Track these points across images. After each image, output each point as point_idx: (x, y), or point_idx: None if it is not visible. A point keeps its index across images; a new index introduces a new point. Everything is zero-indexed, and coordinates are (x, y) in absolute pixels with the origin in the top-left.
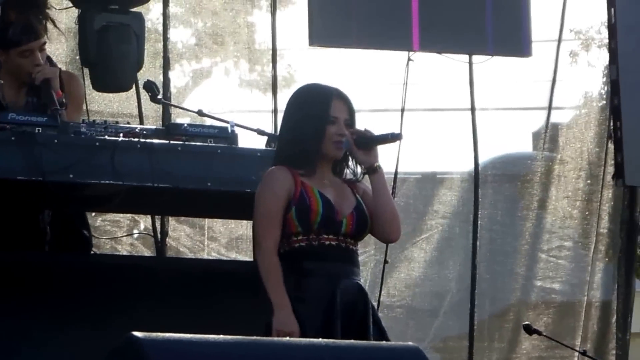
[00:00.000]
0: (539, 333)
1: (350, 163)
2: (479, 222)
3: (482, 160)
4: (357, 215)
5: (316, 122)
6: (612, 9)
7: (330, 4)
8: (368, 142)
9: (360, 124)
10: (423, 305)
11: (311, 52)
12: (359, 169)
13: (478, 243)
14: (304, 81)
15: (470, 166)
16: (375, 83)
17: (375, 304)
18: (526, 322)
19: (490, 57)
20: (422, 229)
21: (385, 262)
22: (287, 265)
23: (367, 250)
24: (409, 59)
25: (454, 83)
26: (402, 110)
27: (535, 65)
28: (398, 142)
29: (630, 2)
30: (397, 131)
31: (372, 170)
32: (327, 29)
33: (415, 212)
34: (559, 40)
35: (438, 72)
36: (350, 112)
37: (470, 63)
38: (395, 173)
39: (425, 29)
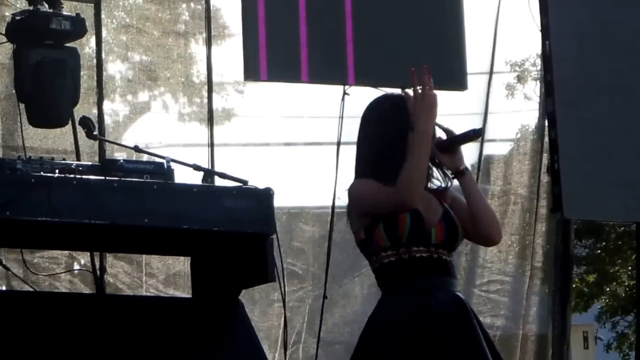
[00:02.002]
0: None
1: (436, 172)
2: None
3: None
4: (445, 223)
5: (397, 130)
6: (547, 42)
7: (265, 39)
8: (450, 144)
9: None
10: None
11: (253, 84)
12: (444, 177)
13: None
14: (245, 113)
15: None
16: (316, 115)
17: (315, 340)
18: None
19: None
20: (359, 264)
21: (325, 297)
22: (380, 281)
23: (305, 286)
24: (345, 93)
25: None
26: (338, 143)
27: (472, 98)
28: (479, 138)
29: (565, 34)
30: (477, 127)
31: (460, 173)
32: (262, 63)
33: (352, 247)
34: (490, 73)
35: None
36: None
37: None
38: (333, 207)
39: (361, 62)
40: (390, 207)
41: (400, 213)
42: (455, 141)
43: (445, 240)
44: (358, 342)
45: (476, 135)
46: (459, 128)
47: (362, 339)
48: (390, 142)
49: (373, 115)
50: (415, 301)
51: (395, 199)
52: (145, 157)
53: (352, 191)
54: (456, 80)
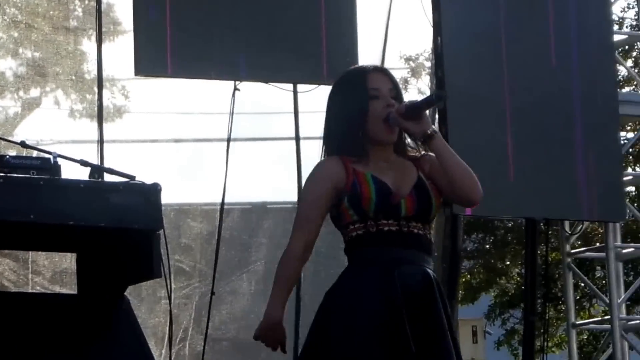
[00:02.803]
0: None
1: (410, 140)
2: None
3: None
4: (417, 194)
5: (357, 100)
6: (439, 38)
7: (157, 34)
8: (414, 110)
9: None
10: (249, 337)
11: (146, 80)
12: (416, 144)
13: (302, 274)
14: (138, 110)
15: (295, 196)
16: (204, 112)
17: (201, 337)
18: None
19: (317, 86)
20: (247, 261)
21: (212, 294)
22: (348, 253)
23: (192, 283)
24: (235, 89)
25: (281, 112)
26: (228, 140)
27: None
28: (441, 103)
29: (457, 30)
30: (438, 91)
31: (428, 137)
32: (153, 59)
33: (240, 243)
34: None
35: (265, 101)
36: (393, 82)
37: (295, 92)
38: (222, 204)
39: (252, 58)
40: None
41: (363, 186)
42: (417, 108)
43: (416, 212)
44: (318, 315)
45: (438, 99)
46: None
47: (323, 311)
48: (351, 117)
49: (334, 92)
50: (379, 274)
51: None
52: (35, 153)
53: (306, 183)
54: None
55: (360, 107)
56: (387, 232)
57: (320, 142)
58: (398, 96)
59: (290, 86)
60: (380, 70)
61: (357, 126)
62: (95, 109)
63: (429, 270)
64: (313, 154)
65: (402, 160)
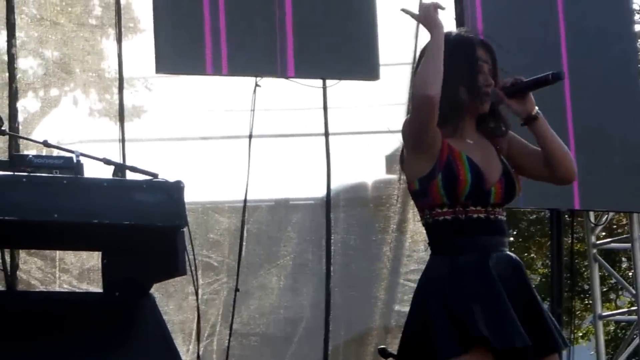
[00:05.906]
0: (394, 356)
1: (497, 117)
2: (332, 247)
3: (334, 185)
4: (505, 182)
5: (466, 72)
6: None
7: (176, 30)
8: (521, 90)
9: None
10: (277, 332)
11: (164, 79)
12: (503, 123)
13: (332, 268)
14: (155, 109)
15: (322, 192)
16: (228, 109)
17: (227, 332)
18: (382, 346)
19: (339, 81)
20: (275, 255)
21: (237, 290)
22: (433, 239)
23: (220, 278)
24: (257, 85)
25: (301, 108)
26: (250, 136)
27: (389, 89)
28: (558, 82)
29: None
30: (556, 71)
31: (532, 118)
32: (174, 56)
33: (268, 239)
34: (414, 63)
35: (287, 97)
36: (493, 60)
37: (325, 87)
38: (245, 201)
39: (297, 55)
40: (419, 115)
41: (460, 166)
42: (526, 87)
43: (503, 200)
44: (413, 306)
45: (555, 79)
46: (375, 120)
47: (419, 302)
48: (459, 84)
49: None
50: (474, 263)
51: (416, 98)
52: (56, 152)
53: (402, 129)
54: (368, 70)
55: (471, 82)
56: (477, 220)
57: (346, 137)
58: (495, 74)
59: (316, 82)
60: (484, 46)
61: (465, 100)
62: (114, 108)
63: (513, 255)
64: (339, 149)
65: (482, 138)
